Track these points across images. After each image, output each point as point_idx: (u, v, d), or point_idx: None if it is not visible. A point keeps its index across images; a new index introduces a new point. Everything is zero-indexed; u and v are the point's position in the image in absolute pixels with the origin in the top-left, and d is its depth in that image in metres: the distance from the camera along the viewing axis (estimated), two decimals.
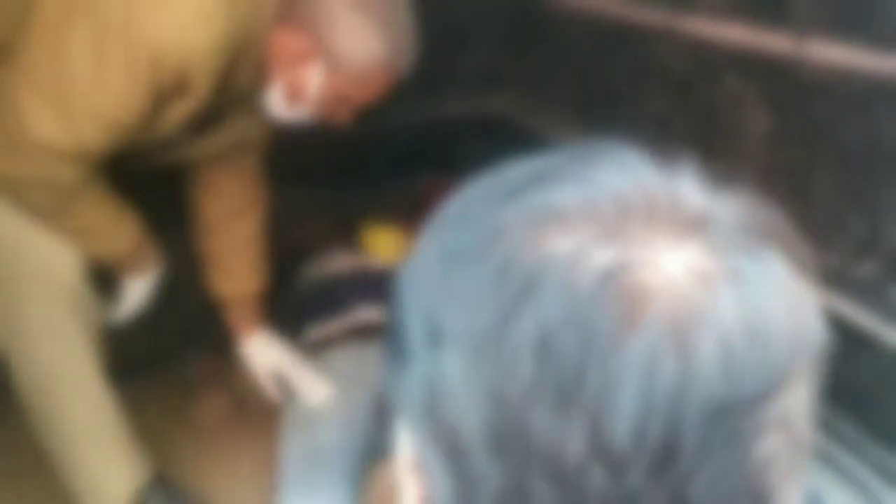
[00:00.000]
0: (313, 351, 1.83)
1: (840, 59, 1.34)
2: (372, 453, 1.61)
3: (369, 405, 1.65)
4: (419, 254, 0.44)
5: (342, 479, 1.49)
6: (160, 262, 1.51)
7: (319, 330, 1.88)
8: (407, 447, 0.45)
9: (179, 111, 1.27)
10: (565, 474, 0.35)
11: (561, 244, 0.36)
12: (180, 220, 1.71)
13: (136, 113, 1.19)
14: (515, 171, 0.44)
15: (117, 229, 1.37)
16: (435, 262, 0.41)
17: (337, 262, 2.10)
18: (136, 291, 1.51)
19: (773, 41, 1.49)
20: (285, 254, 2.19)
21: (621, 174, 0.42)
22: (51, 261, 1.30)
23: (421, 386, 0.40)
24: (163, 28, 1.13)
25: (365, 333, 1.86)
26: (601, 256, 0.35)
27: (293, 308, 2.02)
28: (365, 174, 2.80)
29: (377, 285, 2.01)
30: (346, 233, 2.32)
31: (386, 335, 0.46)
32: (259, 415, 1.81)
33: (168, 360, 1.91)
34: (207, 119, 1.34)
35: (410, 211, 2.47)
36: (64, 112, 1.16)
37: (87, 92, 1.16)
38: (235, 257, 1.69)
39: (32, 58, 1.17)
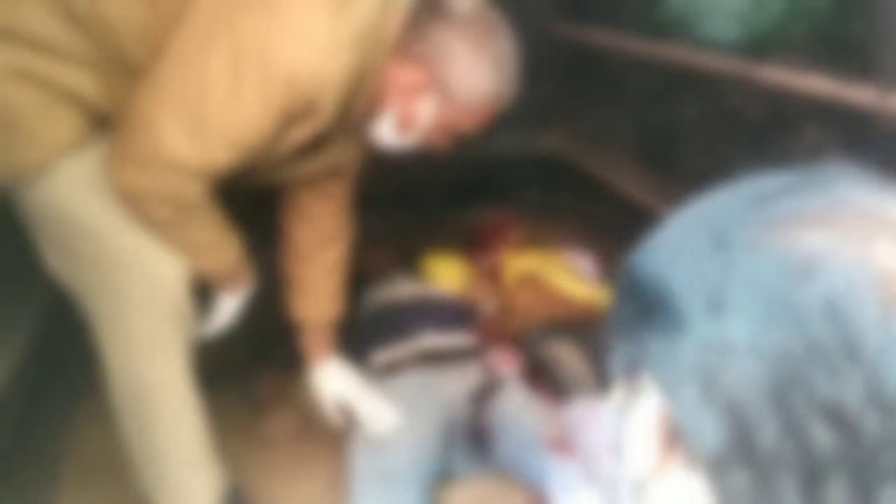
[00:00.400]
0: (379, 375, 1.86)
1: None
2: (440, 475, 1.64)
3: (437, 428, 1.67)
4: (677, 245, 0.54)
5: (414, 497, 1.51)
6: (253, 281, 1.56)
7: (385, 355, 1.91)
8: (654, 409, 0.54)
9: (299, 135, 1.32)
10: (844, 419, 0.43)
11: (821, 238, 0.46)
12: (256, 238, 1.76)
13: (264, 136, 1.25)
14: (767, 182, 0.53)
15: (223, 246, 1.42)
16: (706, 248, 0.50)
17: (399, 289, 2.14)
18: (229, 308, 1.55)
19: (856, 93, 1.52)
20: (348, 283, 2.24)
21: (850, 188, 0.51)
22: (160, 273, 1.33)
23: (699, 349, 0.49)
24: (300, 56, 1.19)
25: (429, 359, 1.89)
26: (855, 248, 0.45)
27: (357, 333, 2.06)
28: (420, 205, 2.86)
29: (440, 312, 2.05)
30: (403, 260, 2.37)
31: (635, 315, 0.55)
32: (327, 433, 1.83)
33: (235, 378, 1.94)
34: (316, 143, 1.39)
35: (468, 241, 2.52)
36: (197, 132, 1.21)
37: (222, 114, 1.21)
38: (319, 284, 1.73)
39: (169, 79, 1.22)
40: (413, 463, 1.58)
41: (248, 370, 2.00)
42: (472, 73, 1.33)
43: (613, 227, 2.67)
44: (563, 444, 1.40)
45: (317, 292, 1.74)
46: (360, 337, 2.03)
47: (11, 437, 1.53)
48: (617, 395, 0.62)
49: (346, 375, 1.79)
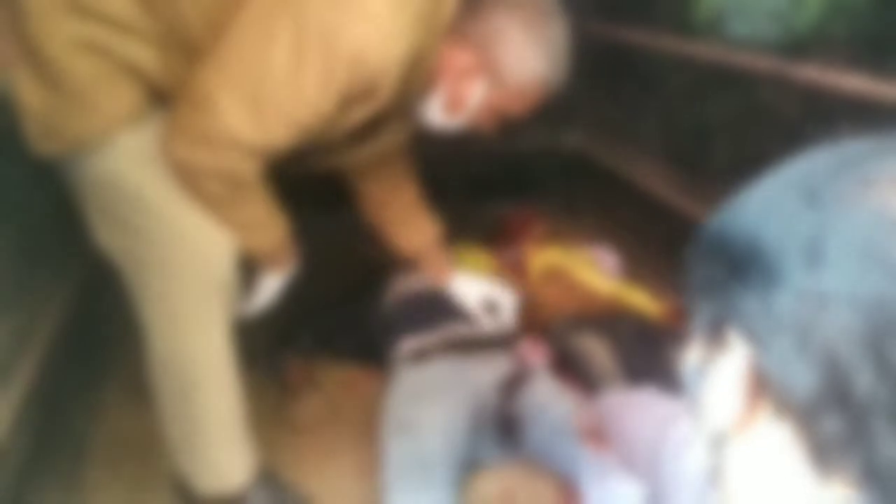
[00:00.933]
0: (408, 363, 1.86)
1: None
2: (469, 463, 1.64)
3: (467, 415, 1.67)
4: (770, 203, 0.57)
5: (445, 482, 1.51)
6: (296, 261, 1.56)
7: (413, 342, 1.91)
8: (741, 362, 0.58)
9: (357, 116, 1.33)
10: None
11: None
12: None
13: (323, 116, 1.26)
14: (857, 145, 0.56)
15: (271, 225, 1.43)
16: (801, 205, 0.54)
17: (426, 280, 2.14)
18: (271, 287, 1.56)
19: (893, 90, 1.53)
20: (373, 270, 2.25)
21: None
22: (209, 248, 1.34)
23: (795, 301, 0.52)
24: (364, 38, 1.20)
25: (458, 347, 1.89)
26: None
27: (385, 321, 2.06)
28: (444, 199, 2.87)
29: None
30: None
31: (724, 273, 0.59)
32: (355, 417, 1.85)
33: (262, 363, 1.94)
34: (371, 126, 1.40)
35: (491, 236, 2.53)
36: (258, 110, 1.22)
37: (283, 93, 1.22)
38: (409, 216, 1.92)
39: (232, 57, 1.22)
40: (445, 448, 1.58)
41: (275, 356, 2.01)
42: (523, 58, 1.35)
43: (636, 225, 2.68)
44: (597, 435, 1.40)
45: (411, 222, 1.91)
46: (389, 325, 2.03)
47: (43, 419, 1.53)
48: (694, 354, 0.67)
49: (472, 279, 2.03)
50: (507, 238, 2.45)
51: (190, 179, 1.29)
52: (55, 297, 1.77)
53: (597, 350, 1.90)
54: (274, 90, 1.22)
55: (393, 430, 1.64)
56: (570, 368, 1.88)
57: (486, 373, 1.79)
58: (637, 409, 1.31)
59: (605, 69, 2.74)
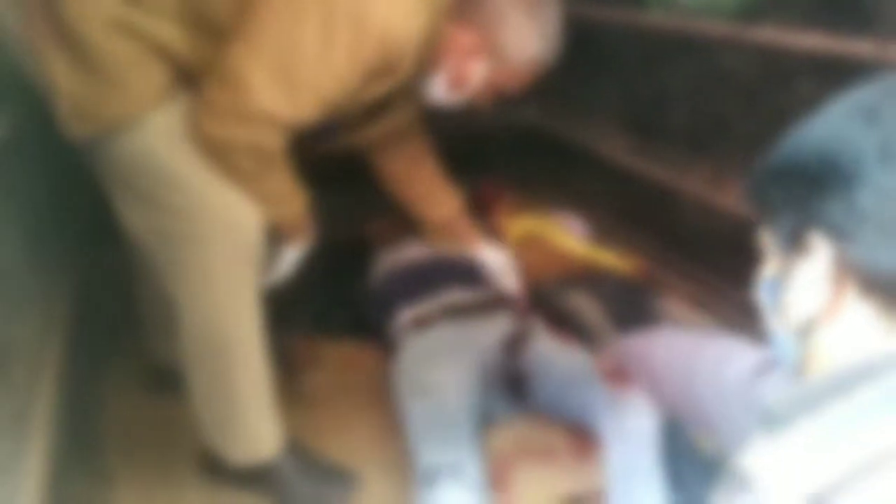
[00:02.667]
0: (409, 332, 1.92)
1: None
2: (482, 418, 1.73)
3: (476, 374, 1.74)
4: (837, 123, 0.72)
5: (468, 436, 1.59)
6: (315, 233, 1.61)
7: (411, 312, 1.98)
8: (825, 259, 0.72)
9: (374, 92, 1.40)
10: None
11: None
12: None
13: (348, 90, 1.34)
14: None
15: (294, 197, 1.48)
16: (866, 121, 0.69)
17: (413, 252, 2.20)
18: (291, 258, 1.60)
19: (854, 46, 1.67)
20: (359, 246, 2.31)
21: None
22: (236, 219, 1.37)
23: (876, 194, 0.67)
24: (390, 16, 1.29)
25: (456, 312, 1.96)
26: None
27: (378, 295, 2.12)
28: None
29: (458, 270, 2.13)
30: (410, 228, 2.44)
31: (802, 185, 0.73)
32: (360, 389, 1.91)
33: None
34: (382, 103, 1.47)
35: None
36: (288, 86, 1.28)
37: (314, 69, 1.28)
38: (432, 190, 2.01)
39: (261, 35, 1.27)
40: (463, 404, 1.65)
41: (273, 336, 2.04)
42: (522, 37, 1.46)
43: (599, 192, 2.81)
44: (619, 374, 1.50)
45: (435, 194, 2.00)
46: (384, 299, 2.09)
47: (70, 411, 1.54)
48: (771, 268, 0.81)
49: (493, 248, 2.10)
50: (479, 210, 2.53)
51: (221, 155, 1.33)
52: (65, 294, 1.77)
53: (587, 307, 2.02)
54: (305, 66, 1.28)
55: (411, 393, 1.70)
56: (564, 326, 1.98)
57: (489, 333, 1.87)
58: (660, 345, 1.42)
59: (560, 43, 2.84)
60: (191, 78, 1.34)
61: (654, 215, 2.58)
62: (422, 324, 1.92)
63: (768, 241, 0.82)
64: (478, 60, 1.49)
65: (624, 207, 2.72)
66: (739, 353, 1.24)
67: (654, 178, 2.45)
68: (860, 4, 1.69)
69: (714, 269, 2.31)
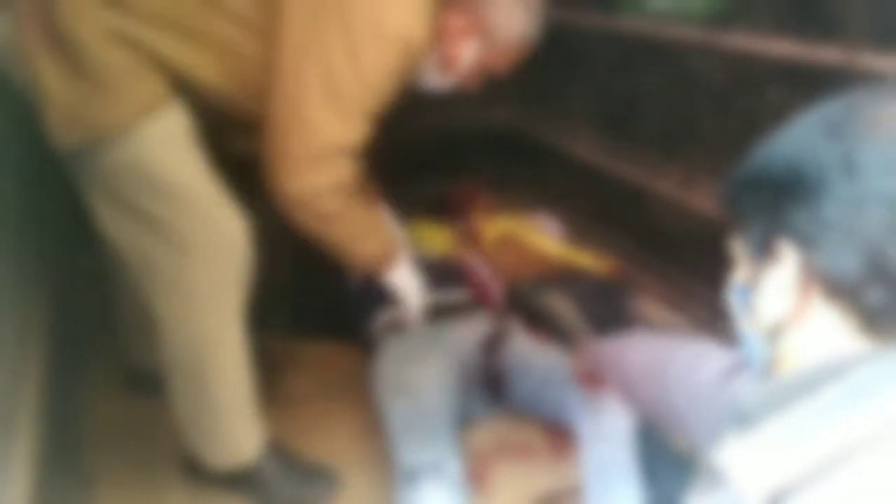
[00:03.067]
0: (385, 335, 1.94)
1: (891, 67, 1.57)
2: (461, 418, 1.75)
3: (453, 374, 1.77)
4: (803, 136, 0.76)
5: (447, 434, 1.61)
6: (406, 250, 1.65)
7: (386, 315, 1.99)
8: (792, 265, 0.75)
9: (398, 89, 1.45)
10: None
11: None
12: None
13: (384, 97, 1.39)
14: (858, 93, 0.76)
15: (377, 227, 1.55)
16: (827, 135, 0.73)
17: None
18: (409, 282, 1.67)
19: (822, 52, 1.71)
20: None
21: None
22: (225, 232, 1.39)
23: (840, 205, 0.70)
24: (404, 17, 1.34)
25: (431, 314, 1.98)
26: None
27: (354, 299, 2.14)
28: (380, 180, 2.94)
29: (432, 272, 2.15)
30: None
31: (771, 195, 0.76)
32: (340, 389, 1.93)
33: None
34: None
35: (434, 211, 2.62)
36: (342, 111, 1.34)
37: (354, 88, 1.33)
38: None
39: (302, 73, 1.31)
40: (442, 403, 1.68)
41: (252, 338, 2.05)
42: (509, 17, 1.51)
43: (572, 193, 2.84)
44: (593, 377, 1.53)
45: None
46: (359, 303, 2.11)
47: (53, 412, 1.55)
48: (742, 273, 0.85)
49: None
50: (455, 212, 2.55)
51: (307, 206, 1.39)
52: (44, 300, 1.77)
53: (562, 306, 2.05)
54: (347, 88, 1.33)
55: (390, 393, 1.73)
56: (541, 325, 2.01)
57: (466, 334, 1.90)
58: (633, 348, 1.45)
59: (534, 47, 2.87)
60: (184, 87, 1.35)
61: (627, 216, 2.63)
62: (397, 326, 1.94)
63: (739, 247, 0.85)
64: (468, 41, 1.52)
65: (598, 208, 2.76)
66: (711, 355, 1.27)
67: (627, 180, 2.49)
68: (828, 12, 1.74)
69: (685, 269, 2.36)
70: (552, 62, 2.91)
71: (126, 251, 1.41)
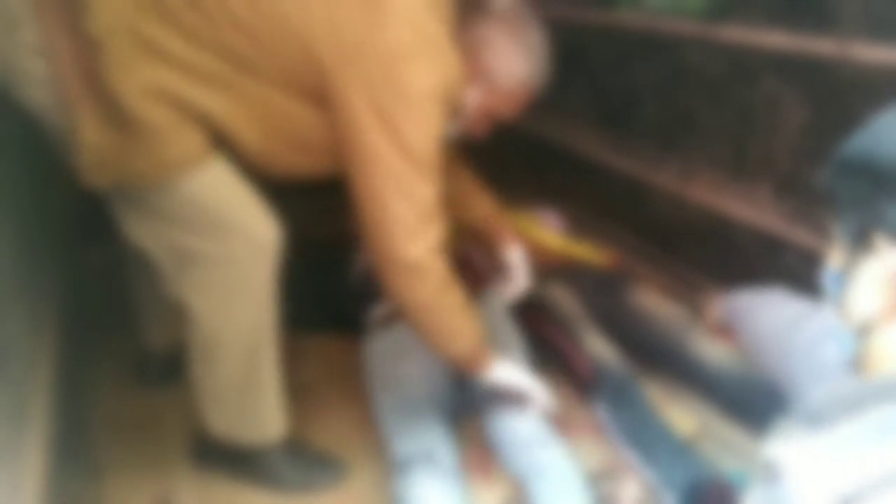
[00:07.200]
0: (381, 326, 1.97)
1: (884, 58, 1.59)
2: (462, 412, 1.79)
3: (445, 365, 1.79)
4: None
5: (438, 424, 1.66)
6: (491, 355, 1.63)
7: (382, 308, 2.03)
8: (888, 261, 0.71)
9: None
10: None
11: None
12: None
13: (440, 138, 1.41)
14: None
15: (470, 318, 1.54)
16: None
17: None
18: (513, 372, 1.64)
19: (816, 44, 1.74)
20: (338, 243, 2.35)
21: None
22: (261, 231, 1.43)
23: None
24: (423, 72, 1.35)
25: None
26: None
27: (353, 291, 2.17)
28: None
29: None
30: None
31: (869, 188, 0.72)
32: (342, 380, 1.97)
33: None
34: None
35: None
36: (424, 168, 1.37)
37: (425, 145, 1.36)
38: (466, 193, 2.00)
39: (383, 143, 1.34)
40: (432, 396, 1.72)
41: None
42: (512, 62, 1.52)
43: (571, 187, 2.87)
44: (724, 330, 1.53)
45: (470, 196, 2.00)
46: (358, 294, 2.14)
47: (65, 407, 1.57)
48: (836, 260, 0.80)
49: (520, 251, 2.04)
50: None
51: (429, 270, 1.42)
52: (55, 292, 1.80)
53: (564, 298, 2.08)
54: (418, 148, 1.35)
55: (380, 386, 1.77)
56: (541, 317, 2.04)
57: None
58: (767, 306, 1.43)
59: (550, 68, 2.90)
60: (224, 140, 1.38)
61: (626, 208, 2.66)
62: (393, 319, 1.97)
63: (836, 231, 0.81)
64: (471, 87, 1.53)
65: (597, 201, 2.79)
66: (837, 333, 1.22)
67: (626, 172, 2.52)
68: (823, 5, 1.76)
69: (684, 260, 2.39)
70: (551, 57, 2.94)
71: (155, 253, 1.44)
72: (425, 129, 1.36)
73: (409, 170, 1.35)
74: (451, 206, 1.95)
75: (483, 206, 2.02)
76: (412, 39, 1.35)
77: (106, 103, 1.28)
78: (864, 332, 0.75)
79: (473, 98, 1.54)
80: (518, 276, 1.97)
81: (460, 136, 1.68)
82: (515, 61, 1.52)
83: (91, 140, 1.30)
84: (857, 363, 0.77)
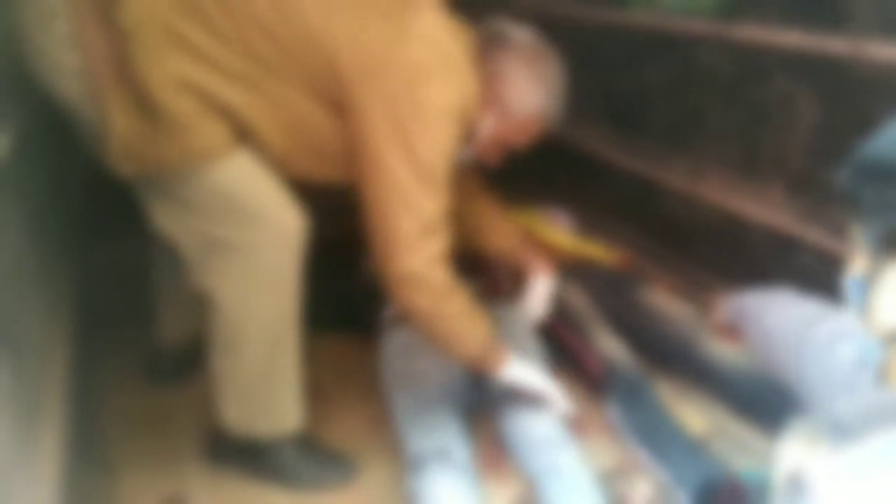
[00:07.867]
0: (395, 325, 1.97)
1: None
2: (476, 409, 1.79)
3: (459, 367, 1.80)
4: None
5: (453, 420, 1.67)
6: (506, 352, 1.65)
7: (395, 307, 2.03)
8: None
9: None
10: None
11: None
12: None
13: (452, 157, 1.44)
14: None
15: (477, 318, 1.56)
16: None
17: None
18: (526, 371, 1.65)
19: (830, 43, 1.74)
20: (348, 246, 2.35)
21: None
22: (286, 220, 1.45)
23: None
24: (441, 91, 1.40)
25: None
26: None
27: (366, 291, 2.17)
28: None
29: None
30: None
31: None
32: (355, 380, 1.97)
33: None
34: None
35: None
36: (433, 184, 1.40)
37: (436, 162, 1.40)
38: (488, 223, 1.96)
39: (390, 156, 1.38)
40: (446, 393, 1.72)
41: None
42: (527, 93, 1.55)
43: (582, 186, 2.87)
44: (731, 330, 1.54)
45: (493, 227, 1.97)
46: (371, 294, 2.14)
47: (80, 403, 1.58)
48: (859, 266, 0.76)
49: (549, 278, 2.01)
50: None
51: (425, 282, 1.44)
52: (69, 289, 1.82)
53: (575, 297, 2.08)
54: (429, 164, 1.39)
55: (395, 384, 1.78)
56: (552, 317, 2.04)
57: None
58: (776, 307, 1.41)
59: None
60: (247, 137, 1.40)
61: (636, 208, 2.65)
62: (404, 318, 1.97)
63: (858, 236, 0.77)
64: (486, 115, 1.55)
65: (608, 200, 2.78)
66: (851, 336, 1.16)
67: (637, 172, 2.52)
68: (836, 4, 1.76)
69: (695, 259, 2.39)
70: (563, 57, 2.94)
71: (181, 242, 1.46)
72: (438, 147, 1.39)
73: (417, 184, 1.38)
74: (476, 239, 1.99)
75: (508, 236, 2.02)
76: (434, 59, 1.39)
77: (135, 94, 1.31)
78: (891, 340, 0.71)
79: (487, 125, 1.56)
80: (535, 307, 1.96)
81: (472, 162, 1.70)
82: (530, 92, 1.55)
83: (120, 129, 1.33)
84: (883, 373, 0.73)
